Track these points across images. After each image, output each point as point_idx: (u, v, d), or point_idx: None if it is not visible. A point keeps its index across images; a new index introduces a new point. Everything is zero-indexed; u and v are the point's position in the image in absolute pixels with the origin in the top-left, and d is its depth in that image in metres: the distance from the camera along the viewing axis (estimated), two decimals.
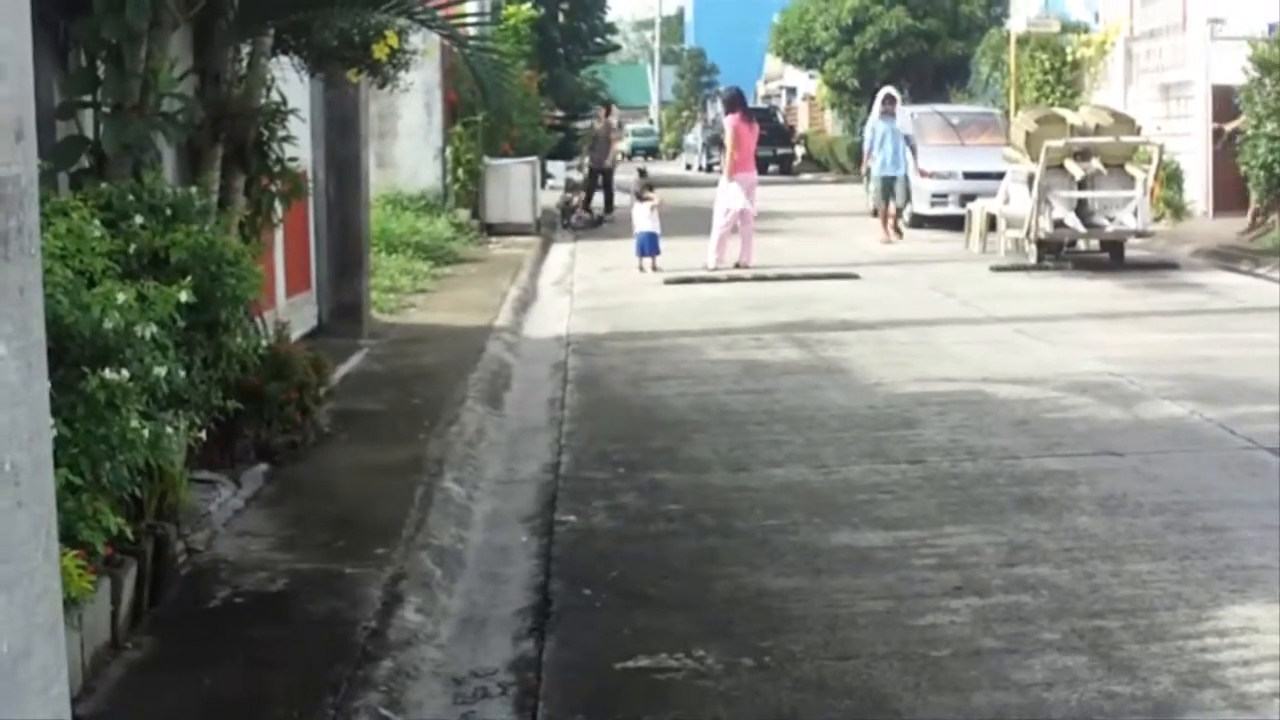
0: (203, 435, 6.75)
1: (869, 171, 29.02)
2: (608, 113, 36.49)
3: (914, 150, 28.96)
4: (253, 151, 9.01)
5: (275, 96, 9.44)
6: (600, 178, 34.21)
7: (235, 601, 6.62)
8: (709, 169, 61.47)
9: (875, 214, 28.09)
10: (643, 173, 25.94)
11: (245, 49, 9.25)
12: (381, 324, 15.22)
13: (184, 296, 6.17)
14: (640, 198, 22.96)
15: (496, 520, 8.55)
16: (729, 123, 23.27)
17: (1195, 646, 6.27)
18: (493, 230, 26.73)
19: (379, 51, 9.55)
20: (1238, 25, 26.38)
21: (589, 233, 29.60)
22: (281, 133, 9.21)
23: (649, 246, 22.12)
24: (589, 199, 33.12)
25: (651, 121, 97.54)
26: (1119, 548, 7.72)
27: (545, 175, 35.07)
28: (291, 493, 8.57)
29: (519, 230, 26.91)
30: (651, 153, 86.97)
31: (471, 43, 9.52)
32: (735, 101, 23.72)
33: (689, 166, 68.99)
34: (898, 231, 27.08)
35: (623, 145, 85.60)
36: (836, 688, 5.86)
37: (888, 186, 27.44)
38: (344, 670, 5.74)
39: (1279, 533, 7.93)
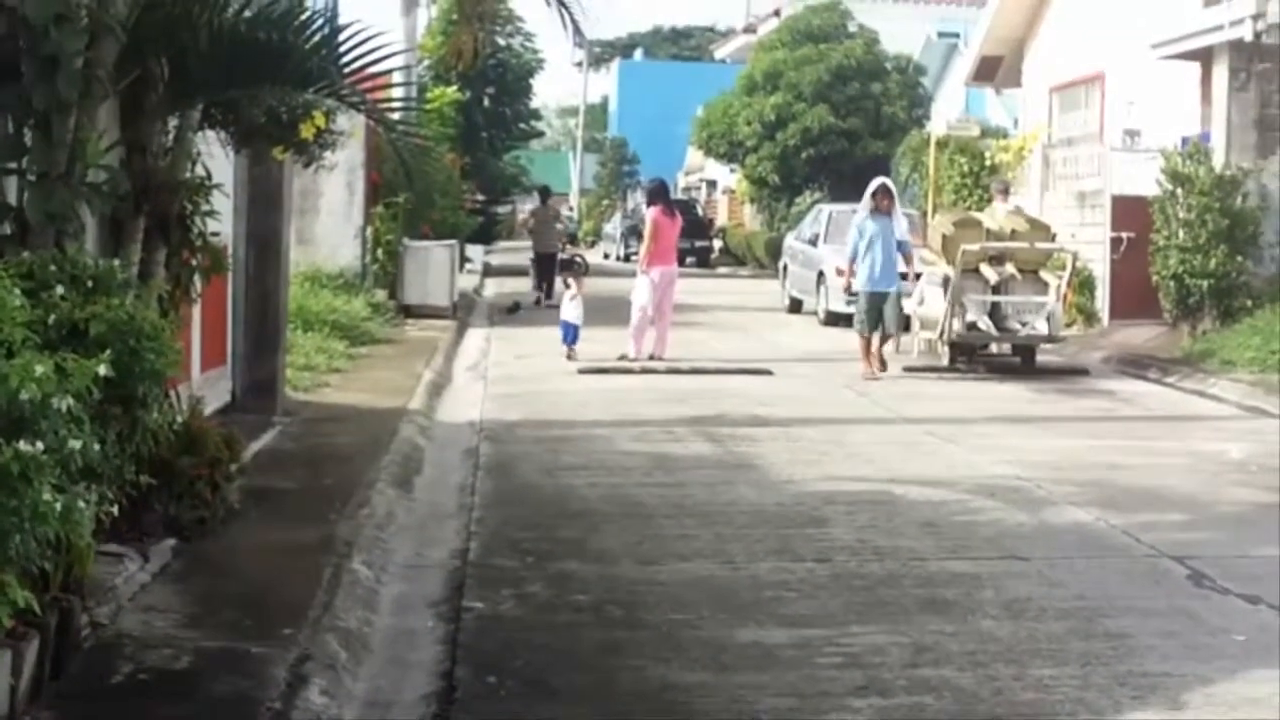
0: (114, 509, 6.71)
1: (849, 286, 22.23)
2: (545, 199, 36.52)
3: (906, 257, 21.71)
4: (176, 225, 9.01)
5: (200, 171, 9.45)
6: (544, 263, 34.53)
7: (139, 678, 6.56)
8: (627, 258, 61.59)
9: (863, 341, 21.43)
10: (573, 263, 25.94)
11: (173, 122, 9.26)
12: (295, 402, 15.17)
13: (103, 370, 6.16)
14: (565, 285, 22.88)
15: (404, 604, 8.54)
16: (650, 214, 23.25)
17: None
18: (410, 312, 26.73)
19: (306, 131, 9.59)
20: (1154, 137, 26.78)
21: (505, 319, 29.62)
22: (205, 207, 9.22)
23: (570, 335, 22.19)
24: (549, 286, 33.31)
25: (571, 209, 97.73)
26: (1022, 651, 7.78)
27: (464, 259, 35.12)
28: (199, 569, 8.52)
29: (436, 313, 26.92)
30: (570, 240, 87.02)
31: (397, 127, 9.56)
32: (658, 193, 23.71)
33: (607, 255, 69.12)
34: (881, 363, 21.17)
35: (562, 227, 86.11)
36: None
37: (875, 307, 21.16)
38: None
39: (1181, 641, 8.04)
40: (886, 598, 8.86)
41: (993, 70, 36.66)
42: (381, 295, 26.19)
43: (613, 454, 13.88)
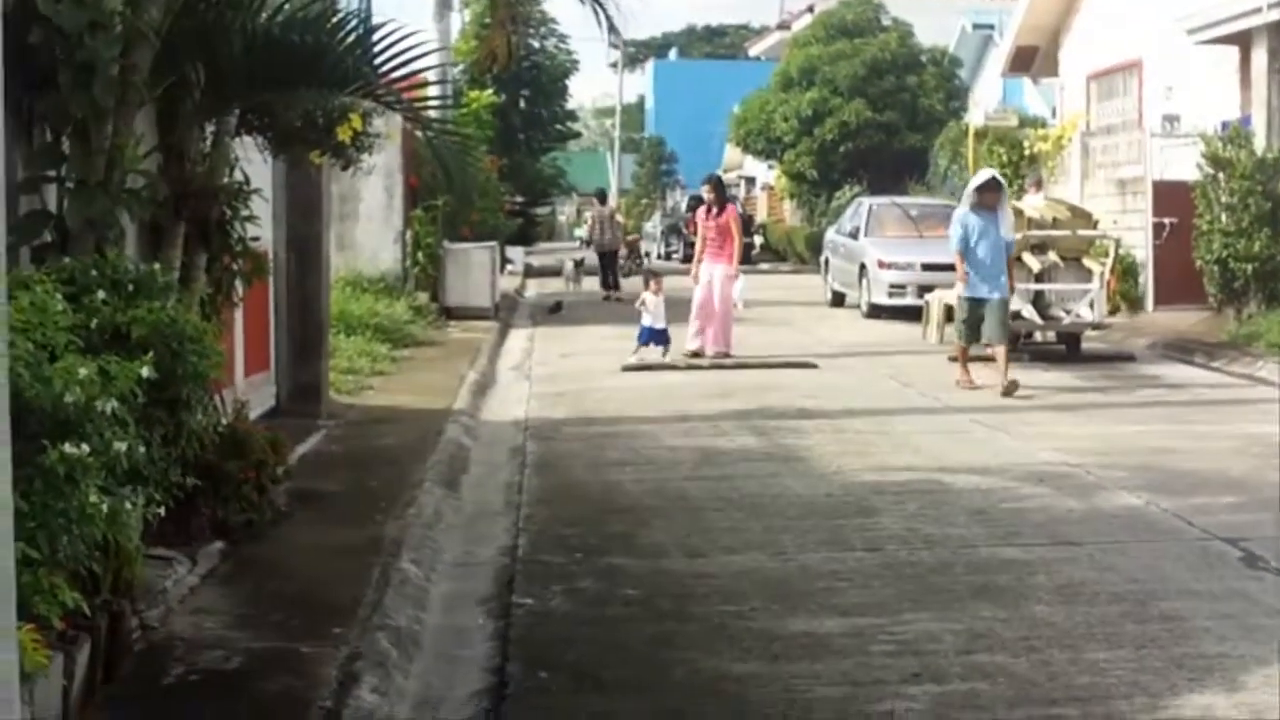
0: (161, 511, 6.71)
1: (965, 278, 18.78)
2: (603, 201, 38.85)
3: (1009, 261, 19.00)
4: (215, 230, 9.01)
5: (238, 176, 9.45)
6: (607, 260, 36.00)
7: (190, 679, 6.57)
8: (667, 256, 61.62)
9: (957, 354, 19.10)
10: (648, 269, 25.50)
11: (210, 128, 9.27)
12: (340, 405, 15.18)
13: (145, 372, 6.16)
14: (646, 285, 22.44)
15: (453, 602, 8.53)
16: (731, 212, 23.42)
17: None
18: (451, 314, 26.75)
19: (343, 134, 9.58)
20: (1193, 122, 26.61)
21: (548, 319, 29.61)
22: (244, 212, 9.22)
23: (654, 337, 21.66)
24: (614, 281, 34.08)
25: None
26: (1076, 636, 7.73)
27: (505, 260, 35.18)
28: (247, 571, 8.52)
29: (478, 314, 26.94)
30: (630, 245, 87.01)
31: (434, 126, 9.55)
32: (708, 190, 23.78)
33: (647, 254, 69.10)
34: (967, 374, 18.53)
35: (581, 232, 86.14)
36: None
37: (975, 315, 18.47)
38: None
39: (1236, 622, 7.97)
40: (938, 585, 8.81)
41: (1029, 60, 36.49)
42: (423, 298, 26.22)
43: (659, 449, 13.84)
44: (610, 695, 6.86)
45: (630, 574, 9.11)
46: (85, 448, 5.57)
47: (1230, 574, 9.13)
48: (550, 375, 19.92)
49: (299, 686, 6.50)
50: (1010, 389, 17.52)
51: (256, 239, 9.66)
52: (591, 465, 13.01)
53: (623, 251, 38.47)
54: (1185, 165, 25.33)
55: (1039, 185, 25.96)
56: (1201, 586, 8.79)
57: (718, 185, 23.74)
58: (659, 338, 21.32)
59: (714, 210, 22.71)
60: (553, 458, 13.37)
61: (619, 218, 39.47)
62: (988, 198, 18.47)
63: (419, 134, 10.67)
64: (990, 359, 18.51)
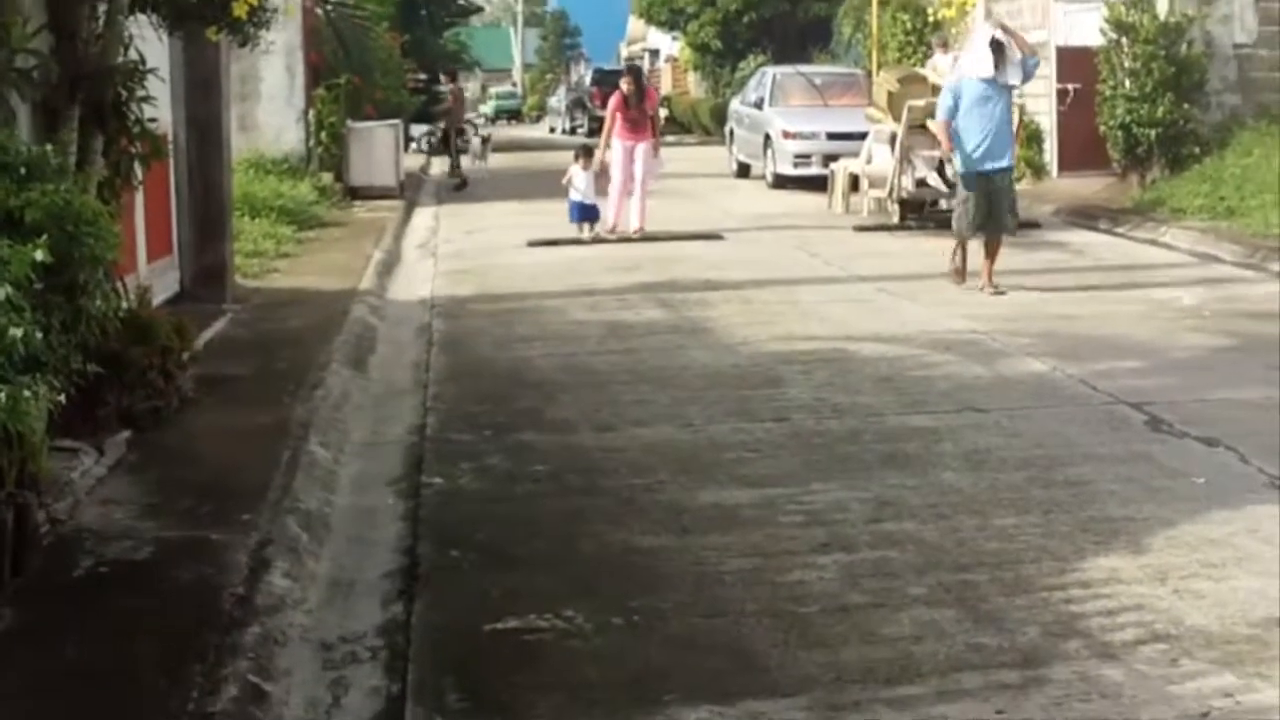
0: (62, 399, 6.62)
1: (952, 157, 16.71)
2: (453, 79, 38.51)
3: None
4: (111, 112, 8.84)
5: (134, 55, 9.26)
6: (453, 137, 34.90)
7: (99, 571, 6.52)
8: (573, 131, 61.39)
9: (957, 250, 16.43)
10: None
11: (102, 6, 9.07)
12: (245, 289, 15.04)
13: (40, 256, 6.06)
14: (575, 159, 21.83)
15: (363, 483, 8.51)
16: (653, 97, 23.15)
17: (1060, 598, 6.35)
18: (356, 194, 26.50)
19: (238, 9, 9.39)
20: None
21: (453, 196, 29.41)
22: (140, 93, 9.02)
23: (585, 213, 21.26)
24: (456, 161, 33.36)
25: (515, 84, 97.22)
26: (984, 502, 7.81)
27: (409, 138, 34.88)
28: (156, 459, 8.44)
29: (383, 194, 26.70)
30: (515, 115, 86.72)
31: (334, 2, 9.40)
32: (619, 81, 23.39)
33: (553, 129, 68.84)
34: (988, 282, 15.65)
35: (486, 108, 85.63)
36: (706, 645, 5.89)
37: (984, 194, 15.78)
38: (211, 638, 5.67)
39: (1140, 485, 8.09)
40: (846, 454, 8.88)
41: None
42: (327, 178, 25.95)
43: (566, 324, 13.84)
44: (521, 571, 6.86)
45: (539, 450, 9.11)
46: None
47: (1135, 437, 9.24)
48: (456, 253, 19.82)
49: (210, 574, 6.47)
50: (1000, 292, 15.33)
51: (154, 120, 9.47)
52: (499, 342, 12.99)
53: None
54: (1089, 30, 25.34)
55: (945, 45, 25.88)
56: (1106, 450, 8.89)
57: (636, 77, 23.21)
58: (589, 213, 21.10)
59: (631, 101, 21.89)
60: (460, 335, 13.32)
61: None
62: (993, 54, 15.70)
63: (318, 10, 10.48)
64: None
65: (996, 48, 15.71)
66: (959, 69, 16.54)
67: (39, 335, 6.03)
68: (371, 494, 8.29)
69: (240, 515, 7.28)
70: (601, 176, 21.39)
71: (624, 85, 22.26)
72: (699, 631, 6.04)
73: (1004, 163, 15.91)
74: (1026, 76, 16.30)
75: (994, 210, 15.73)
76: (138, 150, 9.38)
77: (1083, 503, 7.79)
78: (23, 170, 7.00)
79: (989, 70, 15.62)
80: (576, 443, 9.33)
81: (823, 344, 12.45)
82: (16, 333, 5.77)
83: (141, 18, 9.67)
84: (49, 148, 7.51)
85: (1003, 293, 15.16)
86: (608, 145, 21.81)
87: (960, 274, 16.06)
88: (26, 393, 5.74)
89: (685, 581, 6.65)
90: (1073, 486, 8.09)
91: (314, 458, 8.58)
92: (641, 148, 21.62)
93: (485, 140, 37.13)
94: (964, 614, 6.15)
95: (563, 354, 12.29)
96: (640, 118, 21.82)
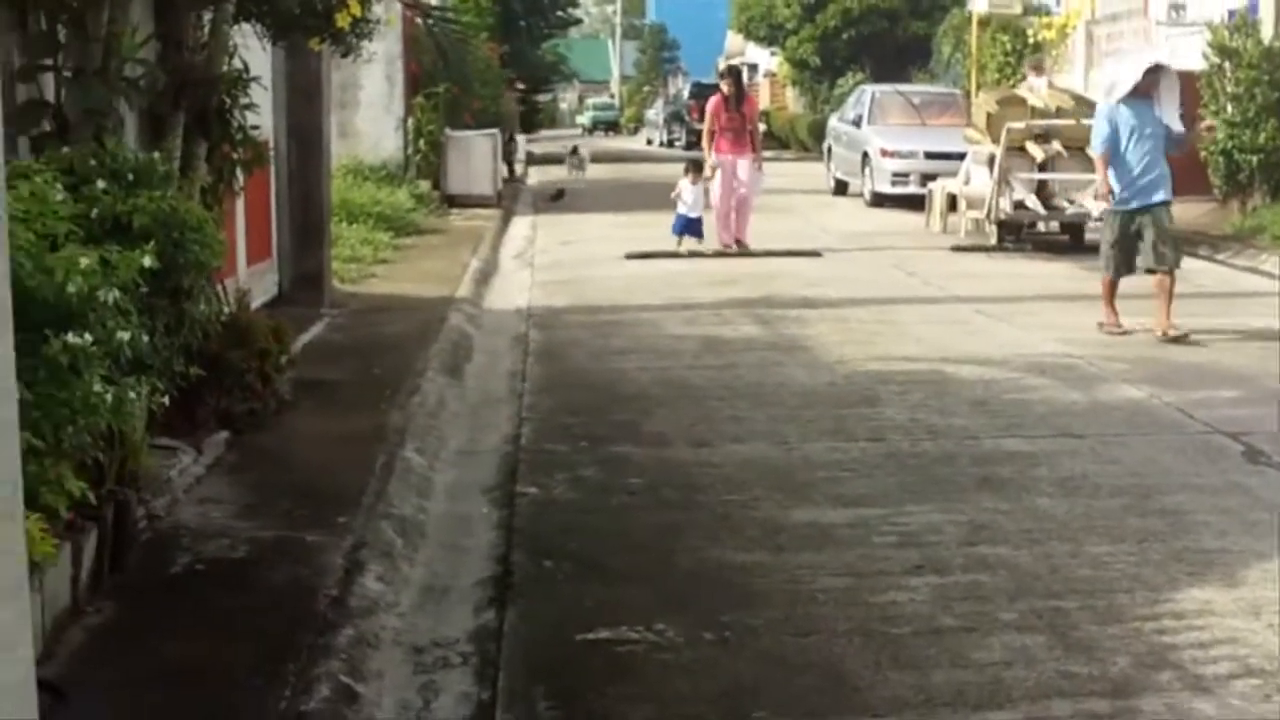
0: (165, 401, 6.70)
1: (1110, 197, 14.63)
2: (510, 86, 39.28)
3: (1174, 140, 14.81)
4: (215, 119, 8.94)
5: (237, 64, 9.36)
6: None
7: (196, 568, 6.59)
8: (670, 144, 61.47)
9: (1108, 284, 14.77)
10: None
11: (207, 16, 9.18)
12: (343, 294, 15.16)
13: (147, 261, 6.13)
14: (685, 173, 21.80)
15: (458, 491, 8.55)
16: (752, 104, 22.84)
17: (1152, 628, 6.29)
18: (453, 202, 26.65)
19: (341, 20, 9.47)
20: (1198, 11, 26.41)
21: (550, 206, 29.50)
22: (244, 100, 9.13)
23: (689, 226, 21.21)
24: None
25: (612, 96, 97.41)
26: (1077, 529, 7.75)
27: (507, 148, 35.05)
28: (252, 460, 8.53)
29: (480, 202, 26.84)
30: (612, 127, 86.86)
31: (433, 13, 9.48)
32: (722, 79, 23.19)
33: (650, 141, 68.96)
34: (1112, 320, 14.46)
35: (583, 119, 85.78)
36: (797, 663, 5.87)
37: (1128, 234, 14.49)
38: (305, 638, 5.72)
39: (1236, 517, 7.99)
40: (941, 476, 8.84)
41: None
42: (425, 186, 26.12)
43: (662, 338, 13.84)
44: (615, 584, 6.88)
45: (634, 463, 9.13)
46: (88, 337, 5.54)
47: (1231, 468, 9.14)
48: (553, 263, 19.89)
49: (305, 575, 6.52)
50: (1181, 337, 13.73)
51: (257, 128, 9.57)
52: (594, 353, 13.02)
53: None
54: (1191, 55, 25.14)
55: (1039, 69, 25.76)
56: (1202, 481, 8.80)
57: (736, 78, 22.92)
58: (693, 227, 21.04)
59: (731, 103, 21.79)
60: (555, 346, 13.36)
61: None
62: (1147, 84, 14.37)
63: (417, 20, 10.54)
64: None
65: (1152, 74, 14.33)
66: (1110, 90, 14.75)
67: (145, 338, 6.11)
68: (466, 501, 8.33)
69: (335, 518, 7.33)
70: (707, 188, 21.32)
71: (724, 87, 22.20)
72: (790, 649, 6.03)
73: (1164, 195, 14.46)
74: (1178, 143, 14.81)
75: (1156, 246, 14.27)
76: (240, 156, 9.48)
77: (1177, 533, 7.71)
78: (130, 176, 7.08)
79: (1148, 97, 14.30)
80: (672, 457, 9.34)
81: (919, 365, 12.40)
82: (124, 336, 5.85)
83: (246, 27, 9.77)
84: (156, 155, 7.61)
85: (1185, 336, 13.65)
86: (710, 149, 21.65)
87: (1116, 322, 14.33)
88: (131, 394, 5.81)
89: (778, 599, 6.64)
90: (1168, 516, 8.01)
91: (409, 464, 8.63)
92: (743, 162, 21.50)
93: (573, 151, 37.18)
94: (1055, 641, 6.11)
95: (658, 368, 12.30)
96: (740, 127, 21.66)
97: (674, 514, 8.05)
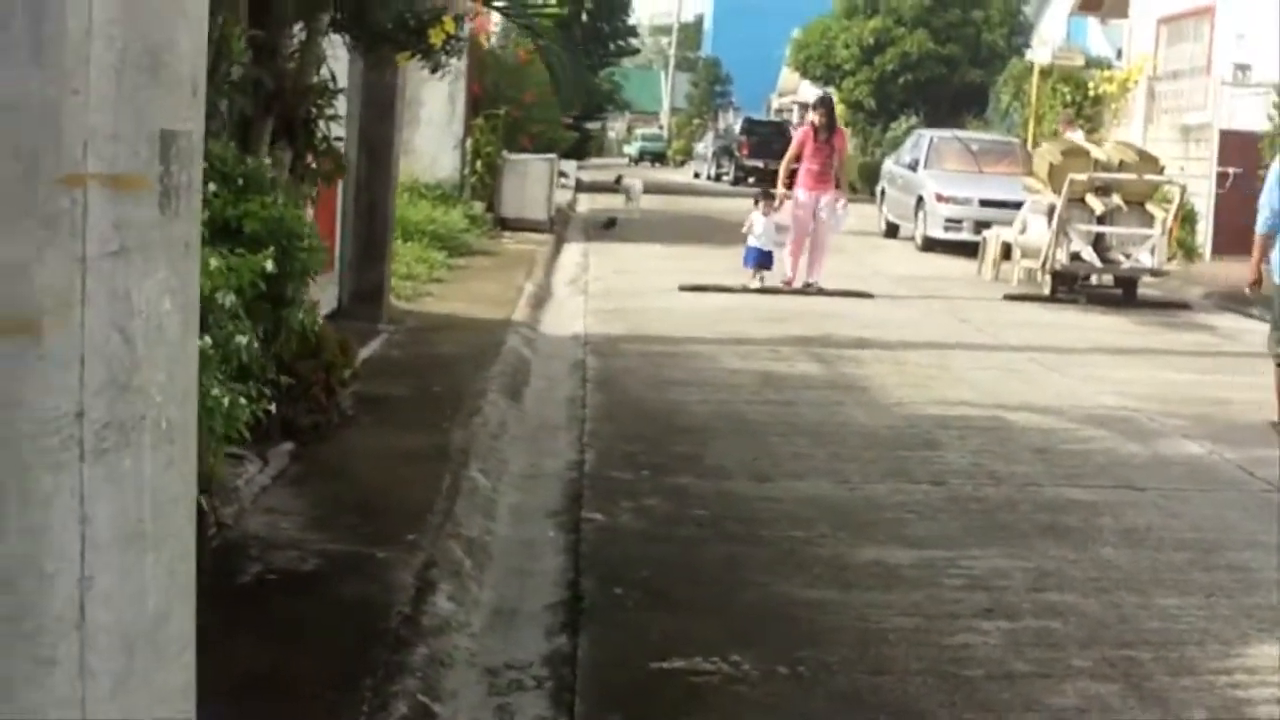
0: (272, 409, 6.71)
1: (1257, 279, 13.30)
2: None
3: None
4: (300, 128, 8.99)
5: (325, 75, 9.42)
6: None
7: (267, 578, 6.59)
8: (718, 178, 61.55)
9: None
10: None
11: (299, 25, 9.23)
12: (398, 310, 15.18)
13: (270, 266, 6.15)
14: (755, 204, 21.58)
15: (523, 514, 8.54)
16: (843, 137, 22.37)
17: (1226, 682, 6.28)
18: (506, 225, 26.70)
19: (435, 36, 9.51)
20: (1264, 72, 26.37)
21: (601, 234, 29.51)
22: (330, 111, 9.19)
23: (761, 259, 21.00)
24: None
25: (661, 127, 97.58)
26: (1145, 580, 7.72)
27: (561, 173, 35.08)
28: (318, 473, 8.53)
29: (533, 227, 26.87)
30: (659, 158, 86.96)
31: (546, 33, 9.53)
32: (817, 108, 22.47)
33: (697, 175, 69.01)
34: None
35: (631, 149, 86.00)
36: (872, 702, 5.86)
37: None
38: (380, 653, 5.72)
39: None
40: (1005, 521, 8.81)
41: (1099, 0, 36.22)
42: (479, 207, 26.14)
43: (719, 371, 13.84)
44: (684, 613, 6.87)
45: (697, 495, 9.12)
46: (208, 340, 5.57)
47: None
48: (606, 291, 19.88)
49: (375, 591, 6.52)
50: None
51: (340, 139, 9.63)
52: (652, 384, 13.01)
53: None
54: (1252, 115, 25.15)
55: (1071, 123, 25.83)
56: (1267, 539, 8.75)
57: (829, 108, 22.43)
58: (765, 260, 20.87)
59: (821, 135, 21.33)
60: (613, 374, 13.35)
61: None
62: None
63: (530, 42, 10.54)
64: None
65: None
66: None
67: (256, 345, 6.13)
68: (532, 525, 8.32)
69: (404, 535, 7.33)
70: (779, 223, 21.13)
71: (815, 117, 21.79)
72: (865, 688, 6.02)
73: None
74: None
75: None
76: (319, 167, 9.52)
77: (1245, 589, 7.68)
78: (240, 181, 7.12)
79: None
80: (734, 490, 9.33)
81: (977, 410, 12.36)
82: (241, 340, 5.87)
83: (335, 37, 9.82)
84: (266, 160, 7.65)
85: None
86: (788, 181, 21.48)
87: None
88: (242, 399, 5.83)
89: (849, 636, 6.62)
90: (1234, 571, 7.99)
91: (475, 484, 8.62)
92: (825, 199, 21.27)
93: (617, 180, 37.11)
94: (1128, 690, 6.09)
95: (717, 400, 12.30)
96: (827, 161, 21.27)
97: (739, 547, 8.04)
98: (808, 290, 20.63)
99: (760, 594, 7.23)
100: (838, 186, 21.61)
